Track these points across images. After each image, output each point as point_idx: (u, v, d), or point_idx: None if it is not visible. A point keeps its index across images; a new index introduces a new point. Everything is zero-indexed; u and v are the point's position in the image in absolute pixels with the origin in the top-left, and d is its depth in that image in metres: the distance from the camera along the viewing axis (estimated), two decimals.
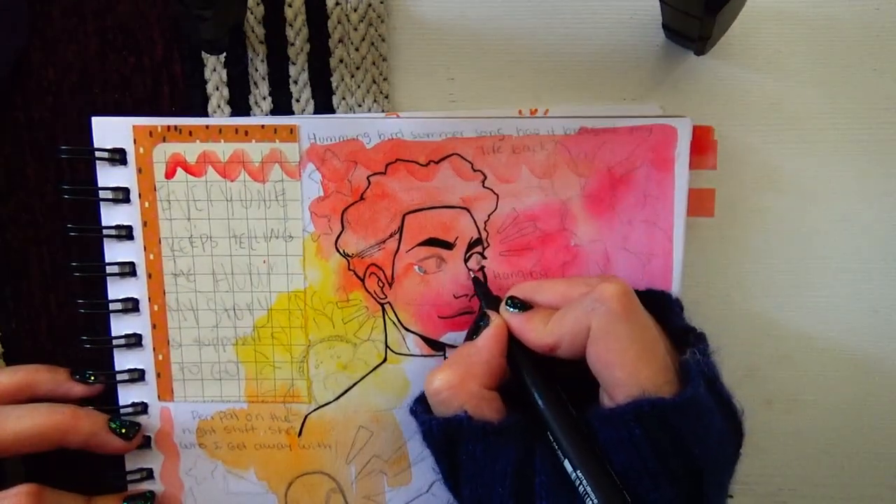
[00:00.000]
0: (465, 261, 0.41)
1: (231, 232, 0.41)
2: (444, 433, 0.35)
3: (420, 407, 0.38)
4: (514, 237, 0.41)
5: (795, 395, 0.44)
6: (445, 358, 0.42)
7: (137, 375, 0.42)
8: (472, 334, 0.38)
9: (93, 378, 0.41)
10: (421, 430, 0.37)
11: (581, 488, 0.33)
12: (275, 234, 0.41)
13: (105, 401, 0.42)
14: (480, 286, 0.41)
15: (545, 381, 0.36)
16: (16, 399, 0.40)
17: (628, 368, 0.33)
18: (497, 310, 0.38)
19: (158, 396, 0.43)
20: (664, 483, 0.32)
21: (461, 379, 0.36)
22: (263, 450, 0.43)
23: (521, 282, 0.41)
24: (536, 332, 0.36)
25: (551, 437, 0.35)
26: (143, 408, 0.43)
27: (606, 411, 0.34)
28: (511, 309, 0.38)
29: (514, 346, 0.37)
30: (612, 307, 0.34)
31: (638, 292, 0.36)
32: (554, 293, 0.38)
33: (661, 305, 0.38)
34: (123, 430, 0.41)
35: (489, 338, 0.37)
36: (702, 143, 0.41)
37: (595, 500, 0.32)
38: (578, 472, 0.33)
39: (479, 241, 0.41)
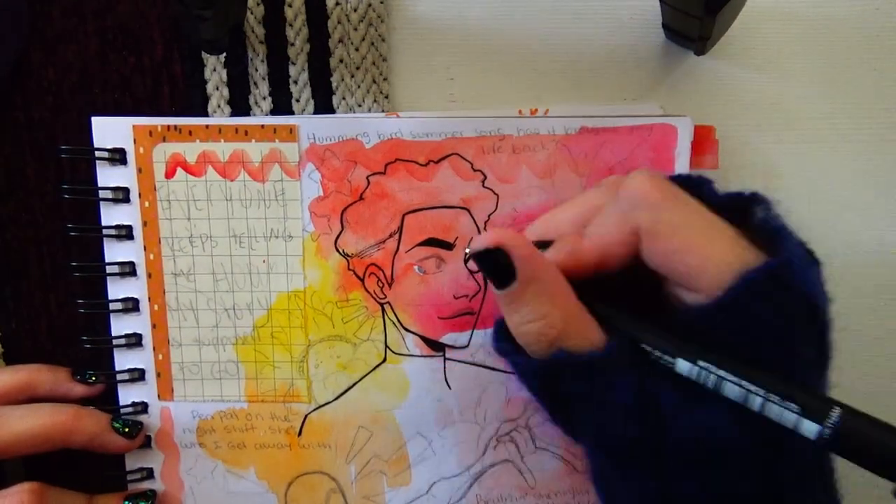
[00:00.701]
0: (465, 261, 0.41)
1: (231, 231, 0.41)
2: (547, 374, 0.32)
3: (506, 344, 0.33)
4: None
5: None
6: (445, 358, 0.42)
7: (137, 375, 0.42)
8: (500, 275, 0.32)
9: (93, 378, 0.41)
10: (518, 371, 0.34)
11: (740, 393, 0.29)
12: (274, 233, 0.41)
13: (105, 401, 0.42)
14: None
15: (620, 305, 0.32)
16: (17, 399, 0.40)
17: (703, 251, 0.30)
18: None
19: (158, 396, 0.43)
20: (804, 347, 0.29)
21: (551, 301, 0.31)
22: (263, 449, 0.43)
23: None
24: (575, 255, 0.32)
25: (679, 360, 0.30)
26: (143, 407, 0.43)
27: (712, 305, 0.29)
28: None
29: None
30: (655, 198, 0.30)
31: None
32: (570, 218, 0.34)
33: (694, 187, 0.34)
34: (126, 430, 0.41)
35: (530, 258, 0.32)
36: (703, 143, 0.41)
37: (776, 397, 0.28)
38: (742, 382, 0.28)
39: None
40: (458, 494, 0.43)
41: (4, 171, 0.42)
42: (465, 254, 0.33)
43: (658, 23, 0.40)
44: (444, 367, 0.42)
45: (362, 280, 0.41)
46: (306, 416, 0.43)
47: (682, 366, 0.30)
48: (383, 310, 0.42)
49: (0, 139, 0.42)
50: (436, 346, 0.42)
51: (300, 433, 0.43)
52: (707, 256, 0.30)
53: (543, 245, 0.33)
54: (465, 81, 0.42)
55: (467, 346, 0.42)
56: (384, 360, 0.42)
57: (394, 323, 0.42)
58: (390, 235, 0.41)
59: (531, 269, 0.31)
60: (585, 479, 0.43)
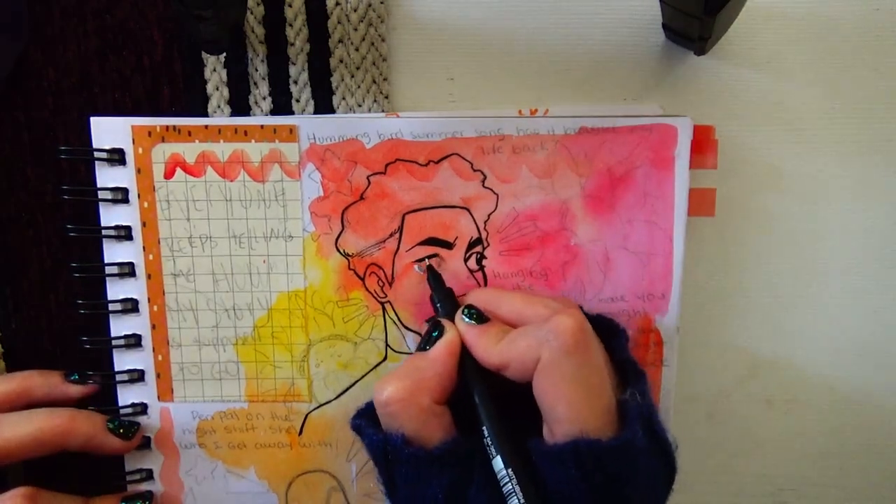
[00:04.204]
0: (465, 260, 0.41)
1: (231, 232, 0.41)
2: (380, 451, 0.35)
3: (364, 420, 0.36)
4: (514, 237, 0.41)
5: (795, 395, 0.44)
6: None
7: (137, 376, 0.42)
8: (425, 344, 0.37)
9: (87, 378, 0.41)
10: (363, 443, 0.36)
11: None
12: (275, 233, 0.41)
13: (105, 401, 0.42)
14: (438, 285, 0.40)
15: (492, 403, 0.35)
16: (13, 407, 0.40)
17: (572, 407, 0.33)
18: (453, 315, 0.38)
19: (158, 397, 0.43)
20: None
21: (411, 392, 0.34)
22: (264, 449, 0.43)
23: (515, 284, 0.41)
24: (487, 349, 0.35)
25: (492, 457, 0.34)
26: (142, 408, 0.43)
27: (546, 447, 0.33)
28: (467, 319, 0.37)
29: (465, 357, 0.36)
30: (566, 342, 0.33)
31: (587, 317, 0.36)
32: (512, 309, 0.37)
33: (608, 334, 0.37)
34: (121, 430, 0.41)
35: (442, 351, 0.36)
36: (702, 143, 0.41)
37: None
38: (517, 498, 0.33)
39: (479, 241, 0.41)
40: None
41: (4, 171, 0.42)
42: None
43: (658, 23, 0.40)
44: None
45: (363, 279, 0.41)
46: (307, 416, 0.43)
47: (497, 463, 0.34)
48: (384, 309, 0.42)
49: (0, 139, 0.41)
50: None
51: (301, 432, 0.43)
52: (574, 413, 0.33)
53: (481, 318, 0.37)
54: (465, 81, 0.42)
55: None
56: (385, 358, 0.42)
57: (394, 322, 0.42)
58: (391, 235, 0.41)
59: (439, 355, 0.36)
60: None
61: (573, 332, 0.33)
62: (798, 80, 0.41)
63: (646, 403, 0.35)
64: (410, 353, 0.42)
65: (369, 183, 0.41)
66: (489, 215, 0.41)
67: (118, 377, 0.42)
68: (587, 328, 0.34)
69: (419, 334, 0.42)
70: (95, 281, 0.42)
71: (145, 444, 0.43)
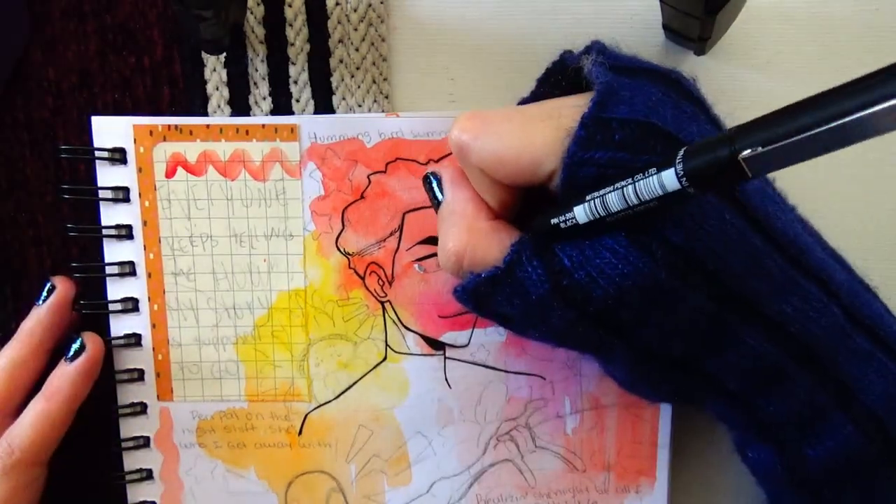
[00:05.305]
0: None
1: (231, 231, 0.41)
2: (472, 299, 0.34)
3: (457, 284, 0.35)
4: None
5: None
6: (446, 357, 0.42)
7: (137, 375, 0.42)
8: (435, 199, 0.36)
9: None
10: (461, 301, 0.35)
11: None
12: (275, 232, 0.41)
13: (105, 401, 0.42)
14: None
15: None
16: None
17: (528, 152, 0.31)
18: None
19: (158, 396, 0.43)
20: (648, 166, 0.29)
21: (467, 232, 0.33)
22: (263, 449, 0.43)
23: None
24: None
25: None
26: (142, 408, 0.43)
27: (565, 180, 0.31)
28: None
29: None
30: (464, 144, 0.32)
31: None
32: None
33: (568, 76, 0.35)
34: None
35: (450, 183, 0.35)
36: None
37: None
38: (615, 184, 0.29)
39: None
40: (459, 494, 0.43)
41: (4, 171, 0.42)
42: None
43: (658, 23, 0.40)
44: (445, 366, 0.42)
45: (363, 278, 0.41)
46: (307, 416, 0.43)
47: (580, 213, 0.30)
48: (384, 308, 0.42)
49: (0, 139, 0.42)
50: (436, 345, 0.42)
51: (300, 432, 0.43)
52: (534, 153, 0.31)
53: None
54: (465, 81, 0.42)
55: (467, 344, 0.42)
56: (384, 358, 0.42)
57: (394, 321, 0.42)
58: (391, 234, 0.41)
59: (450, 192, 0.35)
60: (585, 478, 0.43)
61: (459, 132, 0.32)
62: (798, 80, 0.41)
63: (611, 54, 0.33)
64: (411, 355, 0.42)
65: (370, 182, 0.41)
66: None
67: (118, 377, 0.42)
68: (465, 113, 0.33)
69: (419, 334, 0.42)
70: (95, 280, 0.42)
71: (145, 443, 0.43)
